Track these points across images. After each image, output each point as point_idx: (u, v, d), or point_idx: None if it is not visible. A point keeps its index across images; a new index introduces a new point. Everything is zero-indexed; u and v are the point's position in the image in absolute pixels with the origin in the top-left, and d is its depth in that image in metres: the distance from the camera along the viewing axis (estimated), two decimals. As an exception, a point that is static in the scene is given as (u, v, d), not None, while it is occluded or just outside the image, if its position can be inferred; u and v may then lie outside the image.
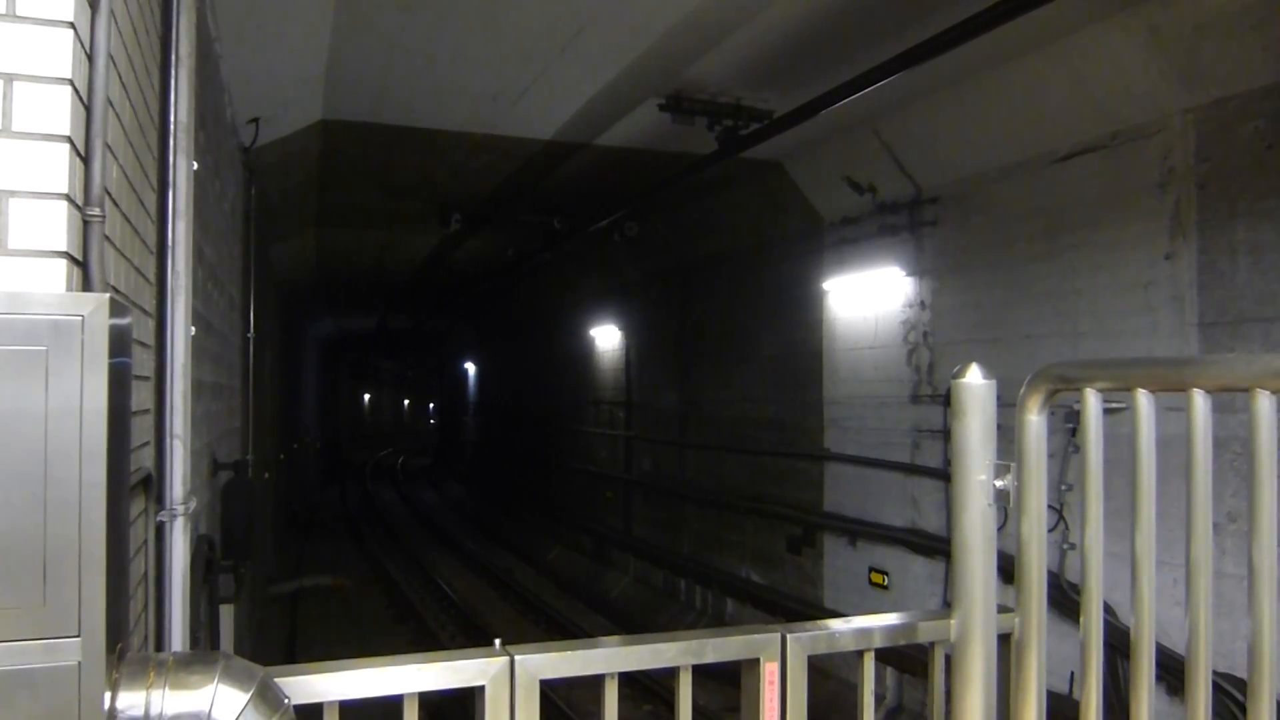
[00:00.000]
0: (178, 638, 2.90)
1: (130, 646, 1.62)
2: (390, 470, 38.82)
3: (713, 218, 11.41)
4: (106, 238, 1.88)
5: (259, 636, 8.89)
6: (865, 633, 1.91)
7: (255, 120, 6.91)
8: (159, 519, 2.90)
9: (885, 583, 8.65)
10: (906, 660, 7.17)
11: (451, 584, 15.21)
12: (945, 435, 7.54)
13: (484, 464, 26.56)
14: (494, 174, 10.14)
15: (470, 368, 30.15)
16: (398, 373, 56.99)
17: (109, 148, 1.90)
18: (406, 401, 63.49)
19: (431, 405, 54.21)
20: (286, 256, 13.41)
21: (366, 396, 59.26)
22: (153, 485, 2.87)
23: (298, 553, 17.95)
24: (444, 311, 23.59)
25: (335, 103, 7.61)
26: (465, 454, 30.66)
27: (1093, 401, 1.67)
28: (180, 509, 2.96)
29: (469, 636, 12.34)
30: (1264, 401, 1.39)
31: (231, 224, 6.48)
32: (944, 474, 7.66)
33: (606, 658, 1.74)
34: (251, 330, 7.64)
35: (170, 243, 3.07)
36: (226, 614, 5.37)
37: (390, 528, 22.43)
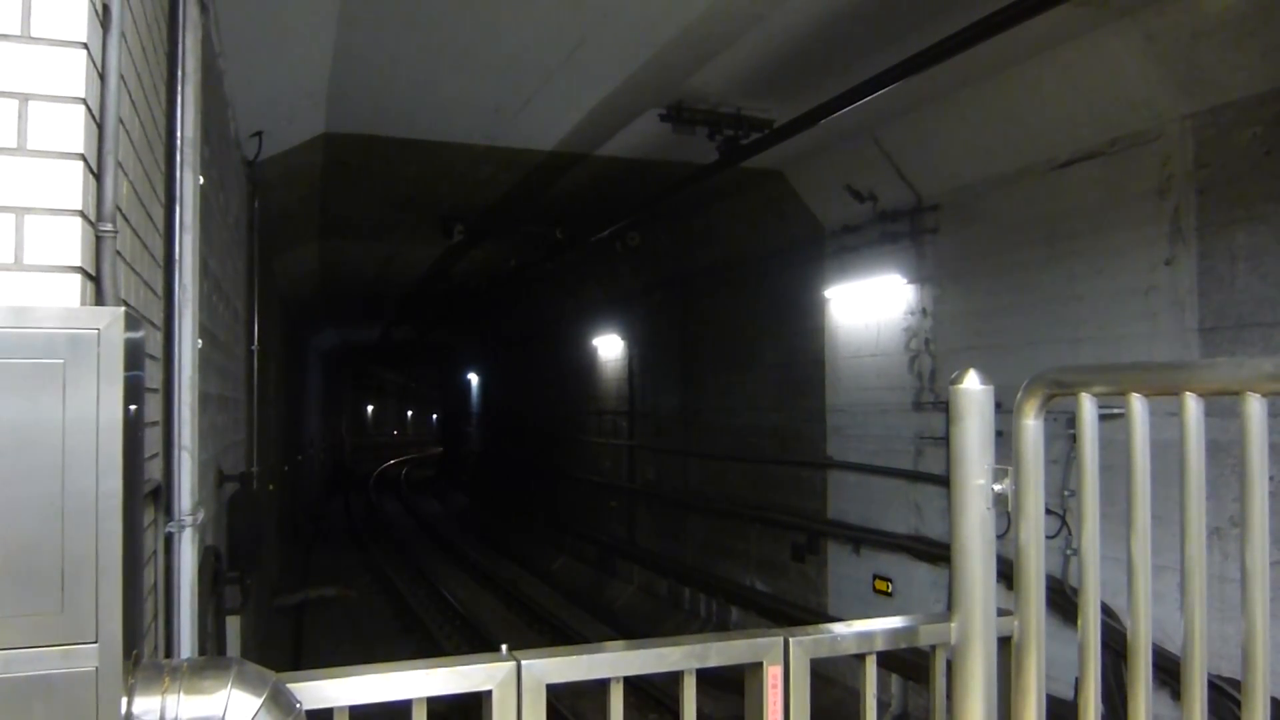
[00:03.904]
0: (187, 646, 2.93)
1: (144, 654, 1.65)
2: (394, 481, 38.82)
3: (714, 227, 11.45)
4: (118, 253, 1.92)
5: (265, 648, 8.90)
6: (867, 636, 1.93)
7: (258, 134, 6.96)
8: (168, 530, 2.93)
9: (889, 589, 8.65)
10: (910, 667, 7.18)
11: (456, 594, 15.21)
12: (947, 442, 7.52)
13: (488, 474, 26.57)
14: (496, 185, 10.19)
15: (473, 378, 30.19)
16: (401, 384, 57.05)
17: (120, 164, 1.94)
18: (410, 412, 63.55)
19: (435, 416, 54.25)
20: (289, 269, 13.47)
21: (370, 408, 59.33)
22: (161, 496, 2.90)
23: (303, 564, 17.95)
24: (447, 323, 23.62)
25: (338, 116, 7.66)
26: (469, 464, 30.67)
27: (1088, 406, 1.70)
28: (188, 520, 2.99)
29: (474, 646, 12.33)
30: (1255, 405, 1.41)
31: (235, 237, 6.53)
32: (947, 480, 7.67)
33: (612, 662, 1.76)
34: (255, 342, 7.68)
35: (177, 256, 3.11)
36: (233, 625, 5.39)
37: (394, 539, 22.44)
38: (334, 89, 6.99)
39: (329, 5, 5.53)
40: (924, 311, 8.25)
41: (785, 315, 10.31)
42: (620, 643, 1.87)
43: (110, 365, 1.34)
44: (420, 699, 1.63)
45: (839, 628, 1.96)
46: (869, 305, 8.95)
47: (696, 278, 12.45)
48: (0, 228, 1.62)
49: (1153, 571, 1.65)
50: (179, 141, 3.13)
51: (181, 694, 1.38)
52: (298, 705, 1.48)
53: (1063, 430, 6.09)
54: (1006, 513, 1.93)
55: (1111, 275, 6.39)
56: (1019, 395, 1.84)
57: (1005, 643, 1.95)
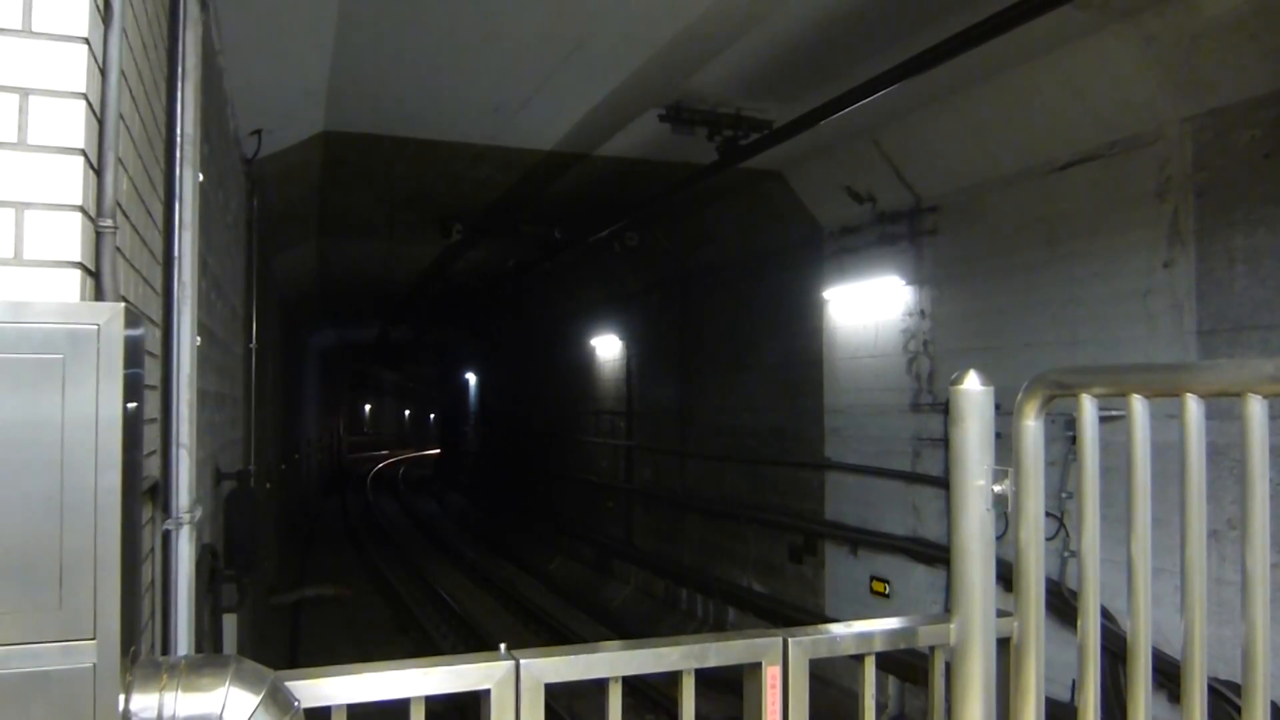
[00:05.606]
0: (184, 644, 2.92)
1: (141, 651, 1.64)
2: (391, 480, 38.79)
3: (713, 227, 11.45)
4: (118, 249, 1.91)
5: (261, 646, 8.88)
6: (866, 637, 1.92)
7: (258, 132, 6.95)
8: (165, 527, 2.92)
9: (886, 591, 8.66)
10: (908, 669, 7.18)
11: (453, 594, 15.20)
12: (945, 443, 7.52)
13: (485, 474, 26.55)
14: (495, 185, 10.18)
15: (471, 378, 30.16)
16: (399, 383, 57.04)
17: (120, 160, 1.93)
18: (407, 412, 63.54)
19: (432, 416, 54.25)
20: (288, 267, 13.45)
21: (367, 407, 59.30)
22: (159, 493, 2.90)
23: (299, 562, 17.93)
24: (445, 322, 23.62)
25: (337, 114, 7.65)
26: (466, 464, 30.64)
27: (1088, 407, 1.70)
28: (186, 517, 2.98)
29: (470, 646, 12.32)
30: (1255, 406, 1.41)
31: (234, 235, 6.52)
32: (945, 482, 7.67)
33: (610, 661, 1.76)
34: (254, 340, 7.66)
35: (176, 254, 3.10)
36: (229, 623, 5.37)
37: (391, 538, 22.42)
38: (333, 87, 6.98)
39: (329, 4, 5.52)
40: (922, 313, 8.25)
41: (784, 316, 10.31)
42: (618, 642, 1.86)
43: (109, 362, 1.34)
44: (418, 698, 1.63)
45: (838, 628, 1.95)
46: (867, 306, 8.95)
47: (695, 278, 12.45)
48: (0, 222, 1.62)
49: (1152, 574, 1.65)
50: (179, 138, 3.12)
51: (179, 691, 1.37)
52: (296, 703, 1.47)
53: (1060, 432, 6.09)
54: (1005, 514, 1.93)
55: (1110, 278, 6.40)
56: (1019, 396, 1.83)
57: (1004, 644, 1.94)
